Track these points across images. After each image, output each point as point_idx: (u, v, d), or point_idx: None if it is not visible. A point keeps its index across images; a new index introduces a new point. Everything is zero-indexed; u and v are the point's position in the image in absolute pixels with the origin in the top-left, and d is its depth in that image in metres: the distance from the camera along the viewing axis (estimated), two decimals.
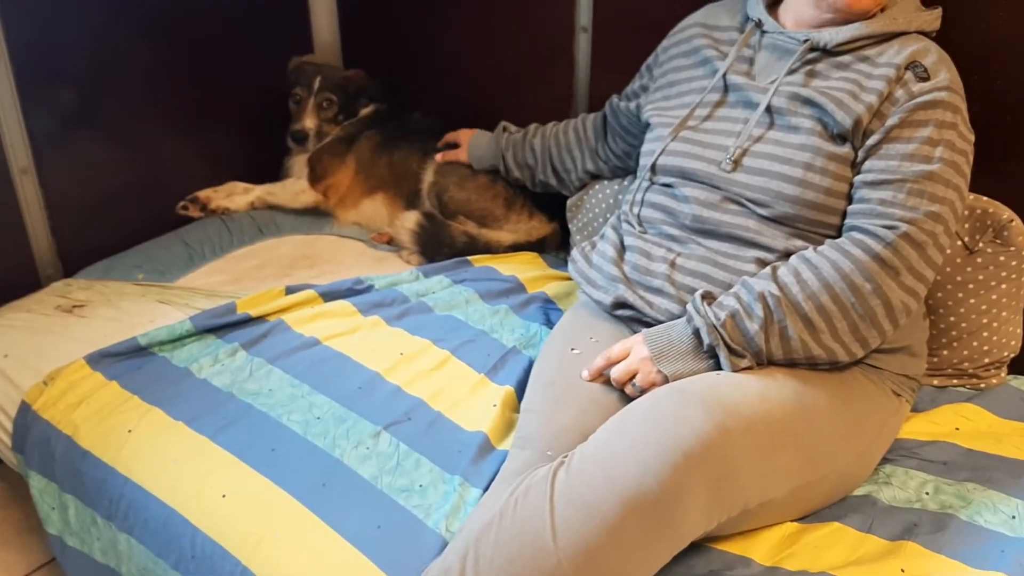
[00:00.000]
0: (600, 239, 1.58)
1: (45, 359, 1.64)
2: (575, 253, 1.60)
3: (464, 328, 1.71)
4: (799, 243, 1.34)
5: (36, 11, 1.80)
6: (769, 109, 1.39)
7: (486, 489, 1.32)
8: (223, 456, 1.40)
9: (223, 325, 1.69)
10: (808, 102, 1.35)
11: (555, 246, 2.08)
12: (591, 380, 1.32)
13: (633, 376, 1.28)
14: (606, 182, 1.89)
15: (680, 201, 1.43)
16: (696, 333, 1.27)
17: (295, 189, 2.25)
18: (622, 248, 1.50)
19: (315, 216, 2.24)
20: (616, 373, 1.29)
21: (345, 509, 1.31)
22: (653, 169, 1.49)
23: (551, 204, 2.06)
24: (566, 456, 1.15)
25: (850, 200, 1.34)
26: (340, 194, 2.23)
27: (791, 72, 1.40)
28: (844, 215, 1.34)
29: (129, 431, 1.47)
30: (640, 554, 1.08)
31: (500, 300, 1.81)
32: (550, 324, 1.75)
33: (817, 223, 1.35)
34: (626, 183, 1.86)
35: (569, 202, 1.95)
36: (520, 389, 1.54)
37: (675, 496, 1.08)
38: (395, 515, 1.30)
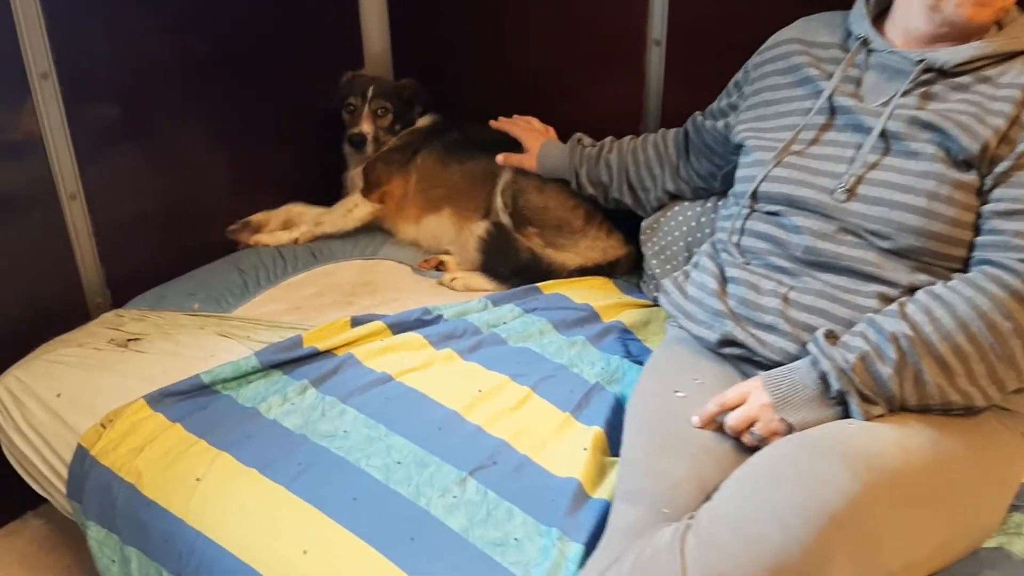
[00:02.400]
0: (695, 268, 1.48)
1: (101, 398, 1.56)
2: (668, 284, 1.50)
3: (542, 362, 1.62)
4: (923, 277, 1.25)
5: (84, 34, 1.72)
6: (884, 134, 1.29)
7: (587, 544, 1.23)
8: (301, 506, 1.31)
9: (290, 360, 1.60)
10: (929, 126, 1.26)
11: (626, 269, 1.99)
12: (702, 427, 1.22)
13: (751, 424, 1.19)
14: (686, 204, 1.80)
15: (789, 231, 1.33)
16: (823, 377, 1.18)
17: (347, 207, 2.18)
18: (723, 279, 1.40)
19: (369, 239, 2.16)
20: (733, 421, 1.19)
21: (438, 566, 1.22)
22: (755, 196, 1.39)
23: (628, 224, 1.96)
24: (691, 517, 1.06)
25: (978, 231, 1.24)
26: (396, 200, 2.16)
27: (904, 94, 1.31)
28: (971, 247, 1.24)
29: (198, 479, 1.38)
30: None
31: (575, 330, 1.72)
32: (630, 356, 1.66)
33: (943, 256, 1.25)
34: (708, 205, 1.77)
35: (644, 223, 1.85)
36: (609, 430, 1.45)
37: (820, 564, 0.98)
38: (491, 572, 1.21)
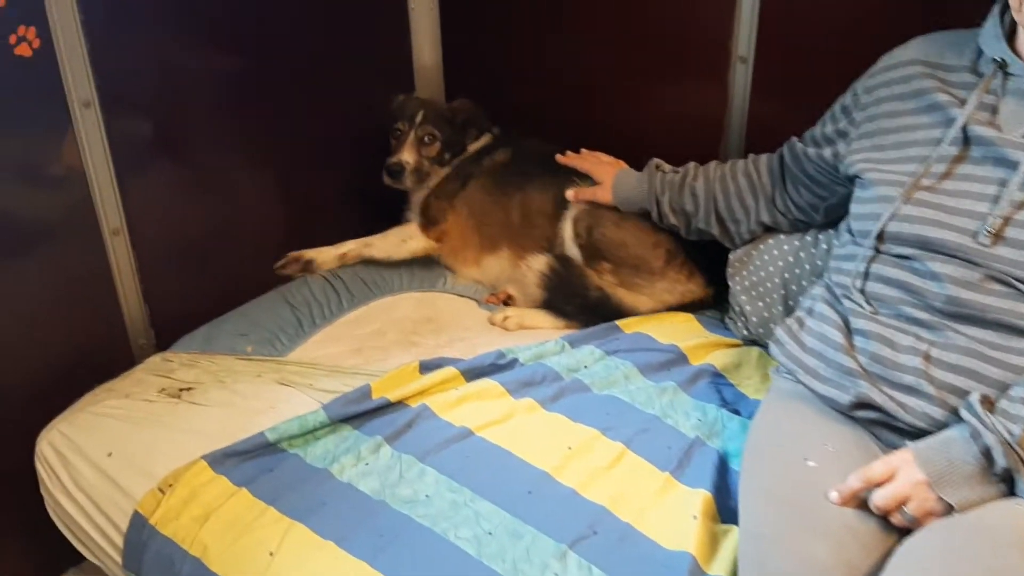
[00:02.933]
0: (809, 316, 1.35)
1: (156, 458, 1.43)
2: (780, 334, 1.37)
3: (631, 412, 1.50)
4: None
5: (127, 61, 1.60)
6: None
7: None
8: None
9: (359, 413, 1.48)
10: None
11: (701, 308, 1.84)
12: (842, 504, 1.09)
13: (902, 503, 1.06)
14: (782, 236, 1.65)
15: (926, 278, 1.20)
16: (986, 453, 1.05)
17: (401, 236, 2.03)
18: (848, 331, 1.26)
19: (427, 270, 2.02)
20: (882, 501, 1.06)
21: None
22: (881, 237, 1.26)
23: (710, 261, 1.82)
24: None
25: None
26: (454, 240, 2.01)
27: None
28: None
29: (271, 553, 1.25)
30: None
31: (663, 375, 1.60)
32: (726, 404, 1.54)
33: None
34: (808, 239, 1.63)
35: (732, 256, 1.71)
36: (716, 494, 1.32)
37: None
38: None
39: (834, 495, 1.10)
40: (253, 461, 1.41)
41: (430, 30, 2.23)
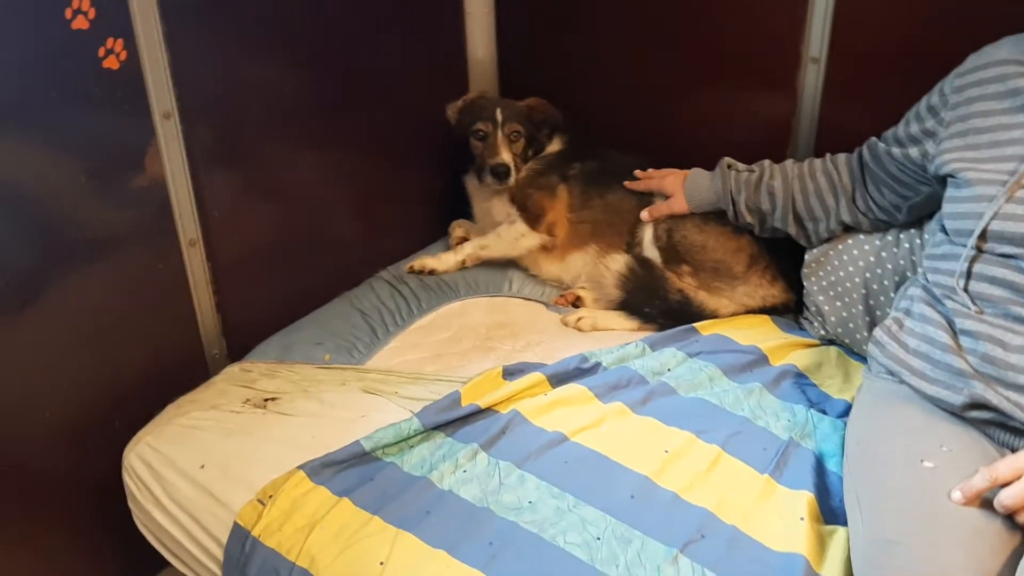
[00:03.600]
0: (909, 317, 1.36)
1: (252, 469, 1.43)
2: (880, 335, 1.37)
3: (722, 414, 1.50)
4: None
5: (206, 71, 1.59)
6: None
7: None
8: None
9: (451, 420, 1.48)
10: None
11: (782, 313, 1.85)
12: (966, 504, 1.10)
13: None
14: (861, 237, 1.66)
15: None
16: None
17: (513, 235, 2.01)
18: (954, 332, 1.27)
19: (491, 273, 2.02)
20: (1011, 500, 1.07)
21: None
22: (983, 236, 1.27)
23: (794, 268, 1.81)
24: None
25: None
26: (564, 231, 1.99)
27: None
28: None
29: (381, 563, 1.25)
30: None
31: (747, 376, 1.60)
32: (812, 404, 1.54)
33: None
34: (889, 239, 1.63)
35: (809, 256, 1.72)
36: (818, 495, 1.33)
37: None
38: None
39: (957, 495, 1.10)
40: (351, 470, 1.40)
41: (485, 25, 2.22)
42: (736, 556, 1.24)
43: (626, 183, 1.95)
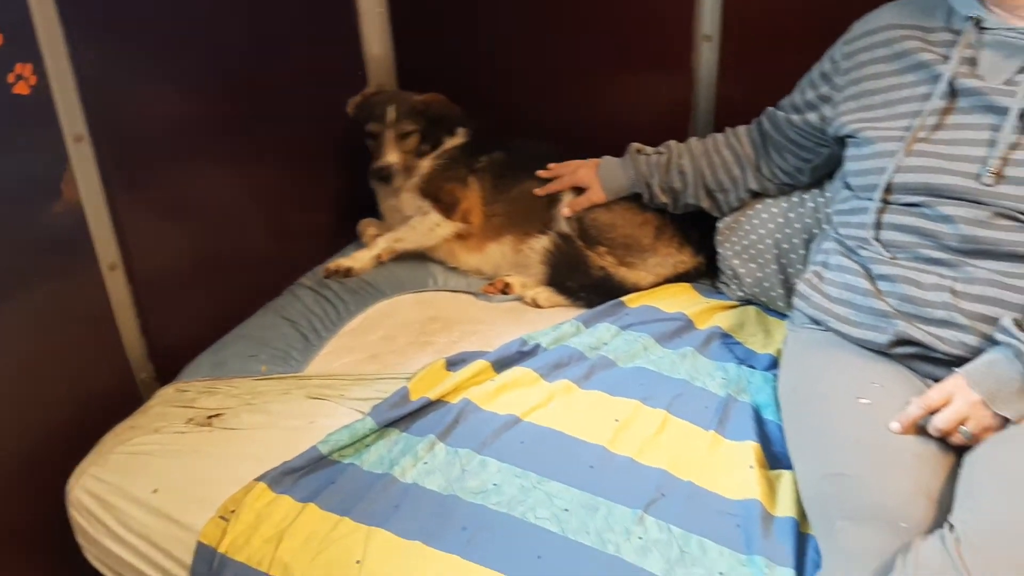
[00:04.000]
0: (826, 269, 1.46)
1: (207, 487, 1.41)
2: (803, 288, 1.47)
3: (662, 380, 1.58)
4: None
5: (114, 93, 1.56)
6: (1022, 113, 1.29)
7: (797, 567, 1.20)
8: (486, 574, 1.22)
9: (403, 416, 1.50)
10: None
11: (696, 278, 1.94)
12: (903, 432, 1.20)
13: (961, 423, 1.17)
14: (769, 201, 1.77)
15: (938, 221, 1.32)
16: None
17: (428, 225, 2.03)
18: (871, 277, 1.38)
19: (412, 271, 2.03)
20: (943, 423, 1.17)
21: None
22: (888, 188, 1.38)
23: (698, 234, 1.92)
24: (949, 530, 1.03)
25: None
26: (479, 218, 2.02)
27: (1023, 71, 1.32)
28: None
29: (358, 562, 1.26)
30: None
31: (678, 342, 1.68)
32: (741, 361, 1.63)
33: None
34: (795, 200, 1.74)
35: (721, 224, 1.81)
36: (762, 443, 1.42)
37: None
38: None
39: (896, 425, 1.20)
40: (312, 476, 1.40)
41: (379, 21, 2.22)
42: (697, 509, 1.31)
43: (536, 191, 1.99)
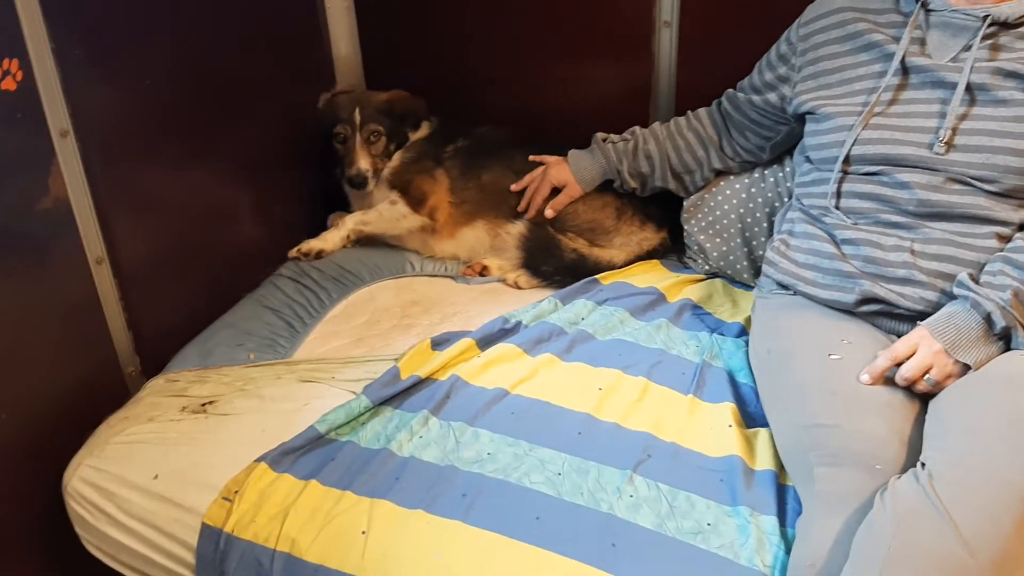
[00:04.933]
0: (791, 236, 1.55)
1: (208, 471, 1.44)
2: (771, 255, 1.56)
3: (639, 350, 1.65)
4: None
5: (99, 95, 1.58)
6: (968, 86, 1.39)
7: (779, 515, 1.28)
8: (490, 538, 1.28)
9: (396, 394, 1.55)
10: (1013, 75, 1.37)
11: (663, 254, 2.02)
12: (872, 383, 1.29)
13: (926, 371, 1.26)
14: (731, 178, 1.86)
15: (896, 188, 1.42)
16: (987, 317, 1.27)
17: (395, 214, 2.07)
18: (835, 242, 1.47)
19: (389, 257, 2.08)
20: (909, 372, 1.27)
21: (652, 567, 1.23)
22: (847, 160, 1.47)
23: (658, 211, 2.01)
24: (922, 468, 1.12)
25: None
26: (446, 214, 2.07)
27: (968, 48, 1.42)
28: None
29: (363, 532, 1.31)
30: None
31: (652, 315, 1.76)
32: (711, 330, 1.72)
33: None
34: (756, 176, 1.84)
35: (687, 202, 1.90)
36: (737, 403, 1.50)
37: None
38: (704, 561, 1.24)
39: (866, 377, 1.29)
40: (311, 454, 1.45)
41: (346, 20, 2.25)
42: (682, 467, 1.39)
43: (513, 187, 2.05)
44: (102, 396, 1.67)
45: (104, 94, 1.59)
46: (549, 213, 1.99)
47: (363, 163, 2.05)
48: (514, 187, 2.05)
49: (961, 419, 1.17)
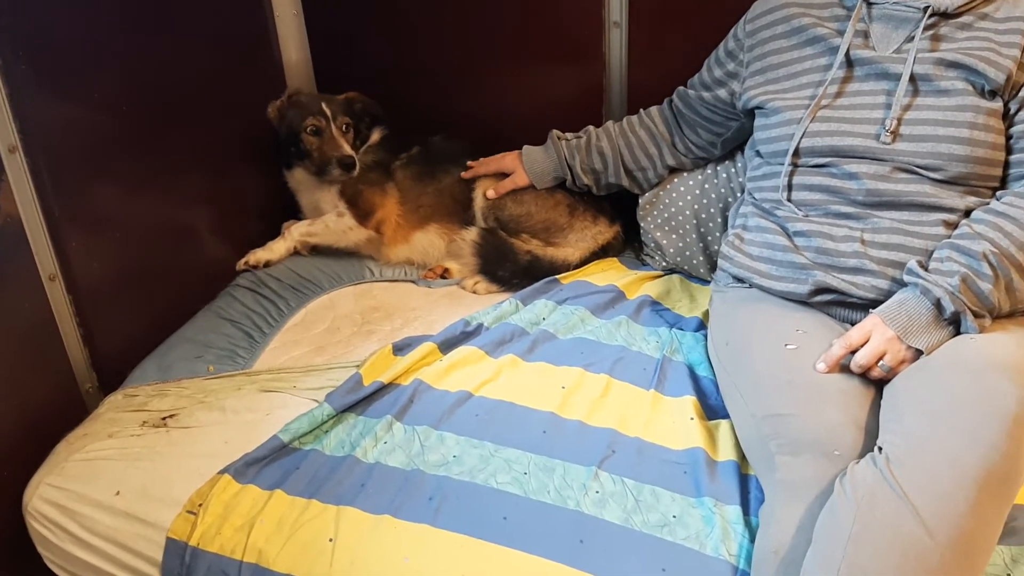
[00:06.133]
0: (745, 231, 1.57)
1: (171, 485, 1.43)
2: (726, 250, 1.58)
3: (601, 348, 1.67)
4: (973, 200, 1.40)
5: (46, 110, 1.56)
6: (912, 77, 1.43)
7: (742, 504, 1.30)
8: (458, 540, 1.29)
9: (359, 400, 1.54)
10: (955, 65, 1.41)
11: (619, 249, 2.04)
12: (828, 371, 1.31)
13: (880, 358, 1.29)
14: (686, 175, 1.88)
15: (844, 179, 1.45)
16: (937, 303, 1.30)
17: (342, 227, 2.06)
18: (788, 235, 1.49)
19: (348, 264, 2.08)
20: (864, 359, 1.29)
21: (620, 561, 1.25)
22: (797, 153, 1.50)
23: (610, 206, 2.03)
24: (879, 452, 1.14)
25: (1010, 151, 1.41)
26: (392, 228, 2.07)
27: (910, 39, 1.45)
28: (1006, 165, 1.41)
29: (331, 540, 1.31)
30: (997, 524, 1.10)
31: (612, 312, 1.78)
32: (671, 325, 1.74)
33: (986, 177, 1.41)
34: (709, 172, 1.86)
35: (642, 200, 1.92)
36: (698, 396, 1.52)
37: (1015, 462, 1.10)
38: (671, 553, 1.25)
39: (822, 365, 1.32)
40: (275, 464, 1.44)
41: (295, 26, 2.25)
42: (646, 461, 1.40)
43: (463, 174, 2.06)
44: (60, 414, 1.64)
45: (52, 109, 1.57)
46: (490, 194, 2.00)
47: (346, 147, 2.03)
48: (464, 174, 2.06)
49: (915, 403, 1.19)
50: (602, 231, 2.02)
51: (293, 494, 1.39)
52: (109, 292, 1.74)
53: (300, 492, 1.39)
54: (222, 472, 1.42)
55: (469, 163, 2.07)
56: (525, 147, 2.00)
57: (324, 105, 2.05)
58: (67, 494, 1.45)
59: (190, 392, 1.63)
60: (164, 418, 1.57)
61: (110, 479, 1.46)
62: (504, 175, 2.02)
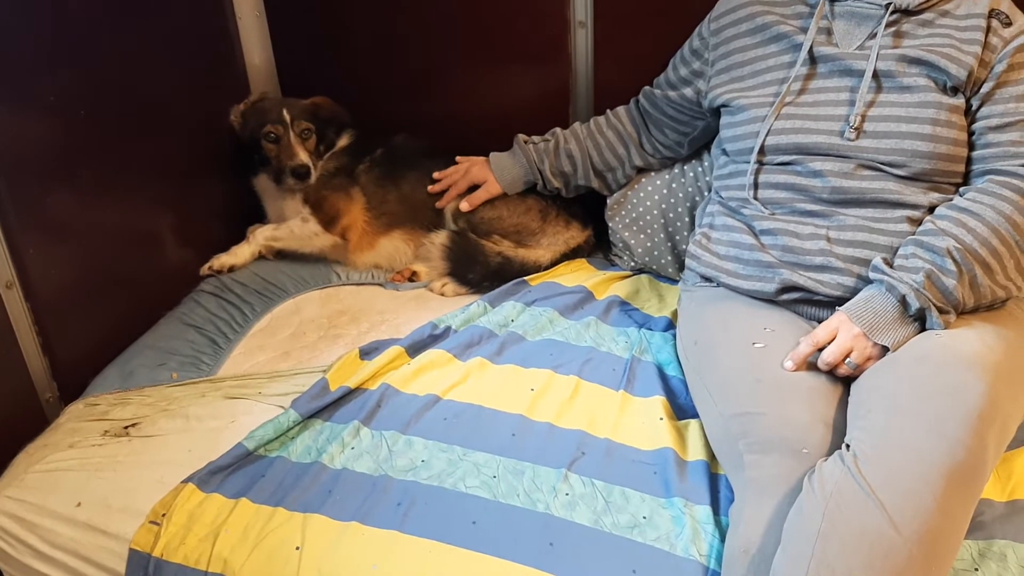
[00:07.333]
0: (712, 230, 1.57)
1: (133, 495, 1.40)
2: (693, 249, 1.58)
3: (570, 349, 1.66)
4: (936, 196, 1.41)
5: (4, 116, 1.53)
6: (875, 74, 1.43)
7: (712, 504, 1.30)
8: (427, 545, 1.27)
9: (325, 406, 1.52)
10: (917, 61, 1.41)
11: (589, 251, 2.04)
12: (796, 369, 1.31)
13: (847, 355, 1.29)
14: (653, 174, 1.88)
15: (809, 176, 1.45)
16: (902, 300, 1.30)
17: (307, 233, 2.03)
18: (754, 233, 1.49)
19: (314, 269, 2.05)
20: (831, 357, 1.29)
21: (590, 563, 1.24)
22: (762, 151, 1.50)
23: (581, 209, 2.02)
24: (846, 449, 1.14)
25: (972, 147, 1.42)
26: (358, 234, 2.04)
27: (873, 36, 1.46)
28: (969, 161, 1.42)
29: (297, 548, 1.29)
30: (964, 519, 1.10)
31: (581, 313, 1.77)
32: (640, 325, 1.73)
33: (949, 173, 1.42)
34: (676, 172, 1.86)
35: (610, 200, 1.92)
36: (667, 396, 1.52)
37: (980, 457, 1.11)
38: (641, 554, 1.25)
39: (789, 364, 1.32)
40: (240, 472, 1.41)
41: (259, 30, 2.22)
42: (615, 462, 1.40)
43: (431, 188, 2.04)
44: (19, 424, 1.61)
45: (8, 115, 1.53)
46: (464, 206, 1.98)
47: (303, 155, 2.01)
48: (432, 188, 2.04)
49: (881, 400, 1.19)
50: (574, 235, 2.02)
51: (259, 502, 1.36)
52: (69, 299, 1.71)
53: (266, 500, 1.36)
54: (186, 481, 1.40)
55: (435, 174, 2.05)
56: (492, 154, 1.98)
57: (285, 111, 2.02)
58: (27, 506, 1.42)
59: (153, 400, 1.60)
60: (126, 427, 1.54)
61: (71, 490, 1.43)
62: (474, 187, 2.00)
